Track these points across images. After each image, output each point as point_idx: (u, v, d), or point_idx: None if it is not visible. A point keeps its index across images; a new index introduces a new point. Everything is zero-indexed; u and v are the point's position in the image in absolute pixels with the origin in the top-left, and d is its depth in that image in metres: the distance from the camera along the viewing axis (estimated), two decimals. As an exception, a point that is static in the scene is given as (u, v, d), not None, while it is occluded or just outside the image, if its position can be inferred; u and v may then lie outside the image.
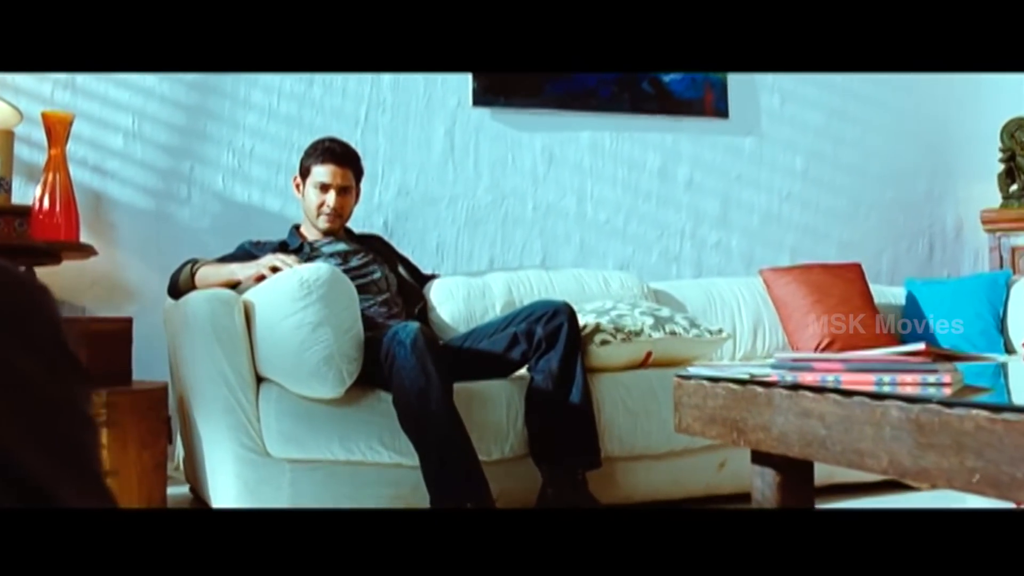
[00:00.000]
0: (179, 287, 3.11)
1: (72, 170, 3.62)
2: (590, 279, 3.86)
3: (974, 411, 1.36)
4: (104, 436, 2.80)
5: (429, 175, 4.21)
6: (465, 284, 3.63)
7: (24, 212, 3.36)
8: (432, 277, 3.69)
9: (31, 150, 3.68)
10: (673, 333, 3.26)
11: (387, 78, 4.14)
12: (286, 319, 2.76)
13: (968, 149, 5.02)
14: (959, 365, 1.79)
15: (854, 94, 4.85)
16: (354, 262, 3.31)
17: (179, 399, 3.09)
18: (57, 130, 3.51)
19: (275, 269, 2.95)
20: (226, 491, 2.80)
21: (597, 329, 3.15)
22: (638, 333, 3.20)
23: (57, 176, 3.50)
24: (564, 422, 2.91)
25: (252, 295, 2.91)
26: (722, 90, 4.61)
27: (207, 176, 3.93)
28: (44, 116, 3.52)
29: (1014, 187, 4.86)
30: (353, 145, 3.43)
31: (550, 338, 2.93)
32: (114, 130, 3.83)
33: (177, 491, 3.30)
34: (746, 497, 2.17)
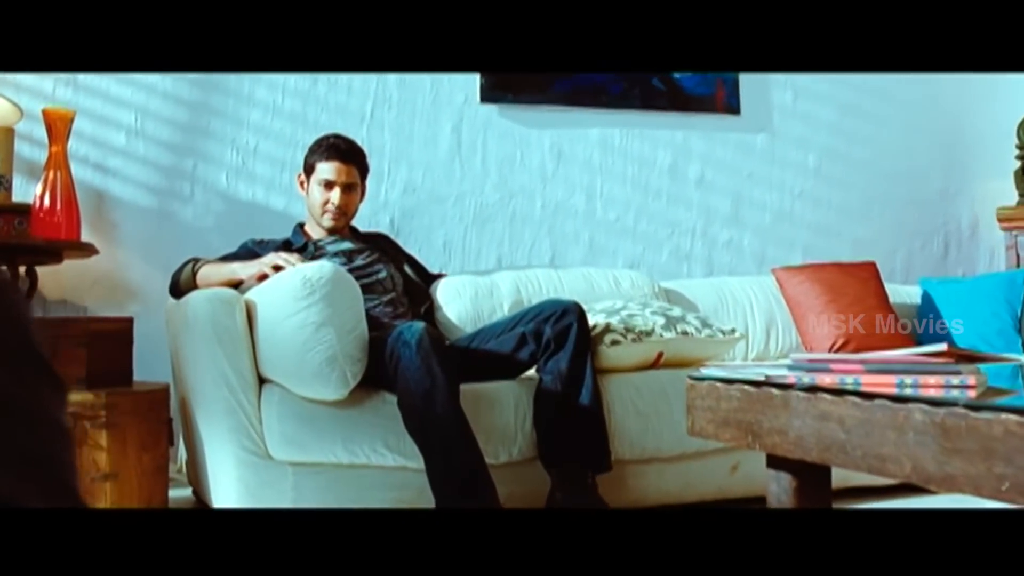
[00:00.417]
0: (180, 286, 3.07)
1: (74, 168, 3.58)
2: (600, 278, 3.82)
3: (1003, 415, 1.30)
4: (103, 438, 2.76)
5: (436, 173, 4.16)
6: (472, 283, 3.58)
7: (24, 210, 3.31)
8: (439, 276, 3.64)
9: (32, 147, 3.64)
10: (685, 333, 3.21)
11: (393, 75, 4.08)
12: (288, 319, 2.71)
13: (984, 145, 4.94)
14: (981, 366, 1.73)
15: (868, 90, 4.79)
16: (359, 261, 3.26)
17: (181, 400, 3.05)
18: (58, 127, 3.46)
19: (278, 268, 2.91)
20: (227, 494, 2.76)
21: (607, 329, 3.10)
22: (649, 333, 3.15)
23: (58, 174, 3.46)
24: (573, 424, 2.87)
25: (254, 294, 2.87)
26: (734, 86, 4.56)
27: (210, 174, 3.88)
28: (45, 113, 3.47)
29: (1031, 184, 4.78)
30: (359, 142, 3.39)
31: (559, 338, 2.89)
32: (116, 127, 3.78)
33: (180, 493, 3.26)
34: (760, 501, 2.12)
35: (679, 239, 4.47)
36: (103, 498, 2.77)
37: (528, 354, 2.94)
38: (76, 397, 2.77)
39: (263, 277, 2.92)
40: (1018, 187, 4.79)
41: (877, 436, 1.52)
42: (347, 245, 3.30)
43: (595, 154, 4.38)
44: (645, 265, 4.38)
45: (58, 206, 3.43)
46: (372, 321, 2.97)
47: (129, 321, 3.10)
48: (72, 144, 3.61)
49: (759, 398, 1.81)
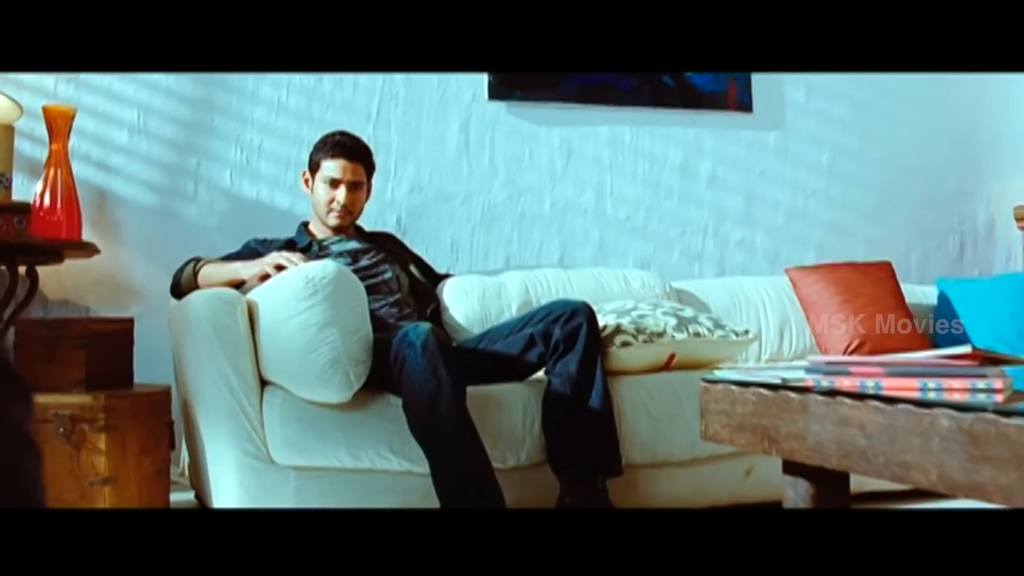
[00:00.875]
0: (182, 286, 3.03)
1: (75, 166, 3.54)
2: (610, 278, 3.77)
3: (1036, 421, 1.24)
4: (102, 441, 2.71)
5: (443, 171, 4.11)
6: (480, 283, 3.53)
7: (24, 209, 3.25)
8: (446, 276, 3.59)
9: (33, 145, 3.59)
10: (697, 334, 3.15)
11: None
12: (291, 320, 2.66)
13: (1000, 143, 4.88)
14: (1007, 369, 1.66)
15: (881, 87, 4.72)
16: (364, 261, 3.22)
17: (183, 403, 3.00)
18: (58, 124, 3.41)
19: (280, 267, 2.86)
20: (228, 499, 2.71)
21: (617, 330, 3.04)
22: (660, 334, 3.09)
23: (58, 172, 3.41)
24: (583, 428, 2.81)
25: (256, 295, 2.82)
26: (746, 83, 4.51)
27: (214, 172, 3.84)
28: (45, 110, 3.43)
29: (1049, 183, 4.73)
30: (365, 140, 3.34)
31: (568, 339, 2.83)
32: (119, 125, 3.74)
33: (183, 497, 3.21)
34: (775, 506, 2.05)
35: (690, 238, 4.42)
36: (102, 502, 2.72)
37: (537, 356, 2.89)
38: (74, 399, 2.72)
39: (265, 277, 2.87)
40: (1036, 185, 4.73)
41: (900, 442, 1.47)
42: (352, 245, 3.26)
43: (605, 152, 4.33)
44: (656, 265, 4.33)
45: (58, 205, 3.38)
46: (377, 322, 2.93)
47: (129, 322, 3.05)
48: (74, 142, 3.57)
49: (776, 402, 1.76)
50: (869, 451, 1.53)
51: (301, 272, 2.69)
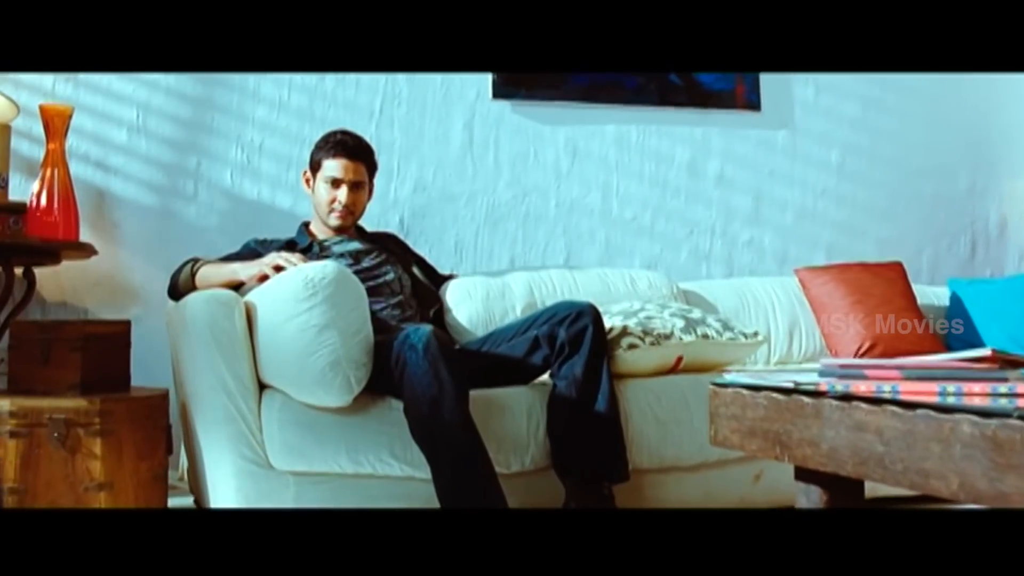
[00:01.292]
0: (179, 288, 2.98)
1: (74, 166, 3.49)
2: (616, 279, 3.73)
3: (1064, 428, 1.19)
4: (97, 446, 2.66)
5: (447, 170, 4.06)
6: (484, 284, 3.49)
7: (20, 209, 3.21)
8: (449, 277, 3.55)
9: (31, 145, 3.55)
10: (705, 336, 3.10)
11: (403, 70, 4.00)
12: (289, 321, 2.61)
13: (1012, 142, 4.82)
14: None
15: (892, 84, 4.67)
16: (366, 262, 3.18)
17: (181, 406, 2.95)
18: (55, 123, 3.36)
19: (279, 268, 2.81)
20: (226, 505, 2.66)
21: (624, 332, 2.99)
22: (668, 336, 3.04)
23: (55, 172, 3.36)
24: (589, 432, 2.77)
25: (254, 296, 2.78)
26: (754, 82, 4.47)
27: (215, 172, 3.79)
28: (42, 109, 3.38)
29: (1062, 182, 4.67)
30: (367, 139, 3.30)
31: (574, 342, 2.79)
32: (118, 124, 3.69)
33: (182, 501, 3.17)
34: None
35: (698, 238, 4.37)
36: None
37: (541, 358, 2.84)
38: (69, 403, 2.67)
39: (264, 278, 2.82)
40: (1049, 184, 4.68)
41: (920, 449, 1.41)
42: (354, 245, 3.22)
43: (611, 151, 4.28)
44: (663, 265, 4.28)
45: (55, 205, 3.32)
46: (379, 324, 2.88)
47: (126, 324, 3.00)
48: (72, 141, 3.53)
49: (788, 407, 1.70)
50: (886, 458, 1.47)
51: (300, 273, 2.64)
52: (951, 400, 1.48)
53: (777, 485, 2.91)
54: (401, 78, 4.00)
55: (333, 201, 3.17)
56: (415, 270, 3.35)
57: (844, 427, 1.56)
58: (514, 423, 2.81)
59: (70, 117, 3.42)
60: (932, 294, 4.13)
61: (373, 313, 2.86)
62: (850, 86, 4.62)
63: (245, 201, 3.80)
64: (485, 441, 2.57)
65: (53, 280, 3.56)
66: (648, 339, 3.00)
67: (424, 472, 2.60)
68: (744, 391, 1.83)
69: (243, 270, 2.91)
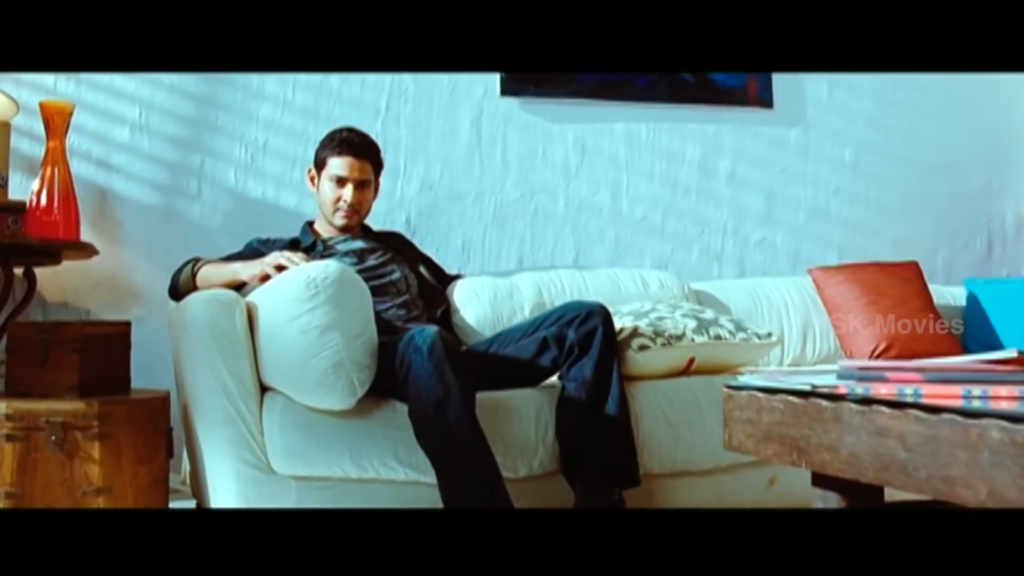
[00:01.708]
0: (180, 288, 2.94)
1: (75, 165, 3.46)
2: (626, 279, 3.69)
3: (1100, 434, 1.12)
4: (96, 450, 2.61)
5: (454, 169, 4.01)
6: (492, 284, 3.44)
7: (19, 208, 3.16)
8: (457, 277, 3.50)
9: (32, 143, 3.51)
10: (718, 337, 3.05)
11: (409, 67, 3.96)
12: (291, 322, 2.55)
13: (1029, 140, 4.76)
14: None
15: (906, 81, 4.61)
16: (371, 261, 3.13)
17: (183, 409, 2.90)
18: (55, 121, 3.32)
19: (281, 268, 2.76)
20: (227, 510, 2.60)
21: (635, 333, 2.94)
22: (679, 337, 2.99)
23: (56, 170, 3.31)
24: (599, 435, 2.71)
25: (255, 296, 2.73)
26: (766, 79, 4.43)
27: (218, 171, 3.75)
28: (42, 106, 3.33)
29: (1080, 180, 4.61)
30: (373, 137, 3.26)
31: (583, 343, 2.74)
32: (120, 122, 3.65)
33: (184, 505, 3.13)
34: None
35: (709, 238, 4.32)
36: (96, 514, 2.61)
37: (550, 360, 2.79)
38: (67, 406, 2.62)
39: (265, 278, 2.78)
40: (1067, 183, 4.62)
41: (944, 456, 1.35)
42: (359, 244, 3.17)
43: (621, 149, 4.23)
44: (674, 265, 4.23)
45: (55, 204, 3.28)
46: (384, 325, 2.83)
47: (126, 325, 2.95)
48: (74, 140, 3.49)
49: (806, 411, 1.63)
50: (909, 464, 1.41)
51: (302, 272, 2.59)
52: (977, 404, 1.42)
53: (791, 490, 2.86)
54: (408, 76, 3.96)
55: (338, 200, 3.13)
56: (422, 269, 3.31)
57: (864, 432, 1.50)
58: (522, 426, 2.76)
59: (71, 115, 3.38)
60: (948, 294, 4.07)
61: (378, 313, 2.81)
62: (864, 83, 4.57)
63: (249, 200, 3.76)
64: (492, 445, 2.52)
65: (54, 280, 3.52)
66: (659, 340, 2.95)
67: (429, 477, 2.55)
68: (759, 394, 1.77)
69: (244, 270, 2.86)
